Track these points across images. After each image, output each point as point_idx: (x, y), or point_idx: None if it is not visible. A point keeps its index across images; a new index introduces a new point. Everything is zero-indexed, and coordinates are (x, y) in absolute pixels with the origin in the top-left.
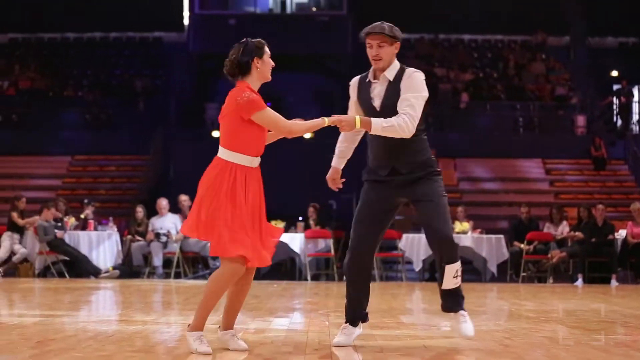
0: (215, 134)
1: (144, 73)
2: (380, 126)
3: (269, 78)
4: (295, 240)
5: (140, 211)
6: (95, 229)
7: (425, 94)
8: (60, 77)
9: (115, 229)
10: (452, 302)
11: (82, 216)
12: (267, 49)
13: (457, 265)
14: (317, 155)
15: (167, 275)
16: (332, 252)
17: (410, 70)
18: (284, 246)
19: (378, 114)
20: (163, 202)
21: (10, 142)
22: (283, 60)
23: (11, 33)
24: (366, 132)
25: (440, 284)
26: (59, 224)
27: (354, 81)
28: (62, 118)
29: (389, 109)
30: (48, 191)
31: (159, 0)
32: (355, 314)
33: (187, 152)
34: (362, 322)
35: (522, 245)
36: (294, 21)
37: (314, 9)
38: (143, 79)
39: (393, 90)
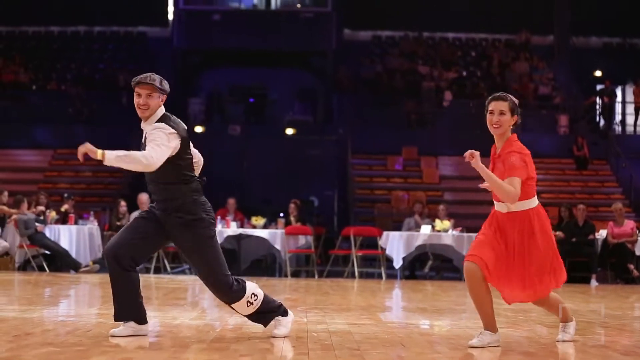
0: (198, 129)
1: (128, 67)
2: (114, 156)
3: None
4: (275, 237)
5: (123, 205)
6: (76, 223)
7: (167, 144)
8: (43, 71)
9: (96, 223)
10: (261, 318)
11: (63, 210)
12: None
13: (245, 298)
14: (298, 151)
15: (146, 270)
16: (313, 248)
17: (158, 124)
18: (264, 242)
19: None
20: (144, 197)
21: None
22: (267, 56)
23: None
24: None
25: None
26: (40, 218)
27: None
28: (45, 112)
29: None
30: (30, 184)
31: None
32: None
33: None
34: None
35: None
36: (278, 17)
37: (298, 5)
38: (126, 73)
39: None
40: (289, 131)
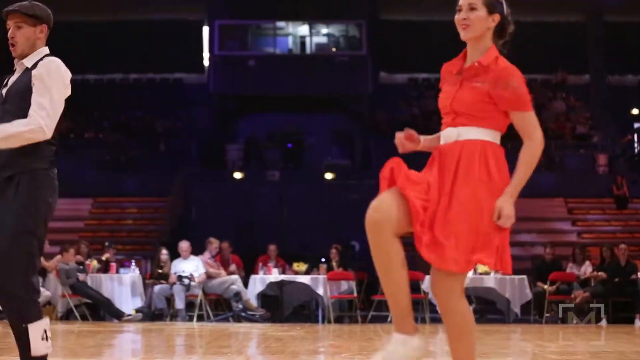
0: (237, 175)
1: (165, 114)
2: None
3: None
4: (318, 282)
5: (164, 253)
6: (118, 271)
7: (61, 86)
8: (81, 119)
9: (138, 272)
10: None
11: (104, 258)
12: None
13: (43, 324)
14: (338, 196)
15: (190, 318)
16: (355, 293)
17: (50, 59)
18: (306, 288)
19: (2, 102)
20: (185, 245)
21: None
22: (303, 101)
23: None
24: None
25: (27, 350)
26: (81, 267)
27: None
28: (83, 160)
29: (15, 96)
30: (70, 233)
31: (179, 42)
32: None
33: (209, 194)
34: None
35: (545, 286)
36: (314, 62)
37: (333, 49)
38: (163, 120)
39: (25, 77)
40: (328, 176)
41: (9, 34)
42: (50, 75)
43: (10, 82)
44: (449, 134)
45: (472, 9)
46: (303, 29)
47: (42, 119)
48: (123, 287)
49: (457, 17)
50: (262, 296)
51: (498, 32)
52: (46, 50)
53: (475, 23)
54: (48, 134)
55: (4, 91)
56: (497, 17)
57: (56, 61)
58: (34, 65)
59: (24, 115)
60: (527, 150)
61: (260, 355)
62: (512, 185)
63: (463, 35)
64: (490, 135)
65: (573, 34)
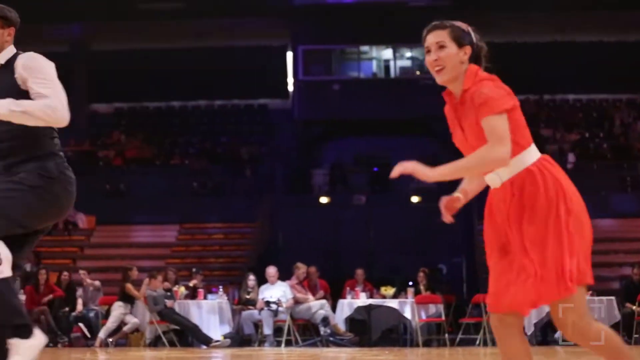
0: (323, 199)
1: (250, 140)
2: (7, 108)
3: None
4: (405, 306)
5: (251, 279)
6: (205, 297)
7: (55, 76)
8: (166, 146)
9: (225, 298)
10: None
11: (191, 285)
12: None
13: None
14: (424, 219)
15: (278, 344)
16: (443, 317)
17: (28, 54)
18: (394, 312)
19: None
20: (272, 270)
21: (119, 211)
22: (388, 124)
23: (117, 103)
24: None
25: None
26: (169, 294)
27: None
28: (169, 186)
29: None
30: (157, 260)
31: (264, 67)
32: None
33: (295, 219)
34: None
35: (634, 307)
36: (398, 85)
37: (417, 72)
38: (249, 145)
39: (5, 74)
40: (414, 199)
41: None
42: (44, 66)
43: None
44: (492, 180)
45: (441, 47)
46: (387, 53)
47: (59, 102)
48: (211, 313)
49: (428, 59)
50: (350, 320)
51: (473, 62)
52: (14, 48)
53: (447, 62)
54: (67, 117)
55: None
56: (468, 49)
57: (36, 55)
58: (10, 61)
59: None
60: (480, 151)
61: None
62: (442, 168)
63: (439, 79)
64: (525, 157)
65: None
